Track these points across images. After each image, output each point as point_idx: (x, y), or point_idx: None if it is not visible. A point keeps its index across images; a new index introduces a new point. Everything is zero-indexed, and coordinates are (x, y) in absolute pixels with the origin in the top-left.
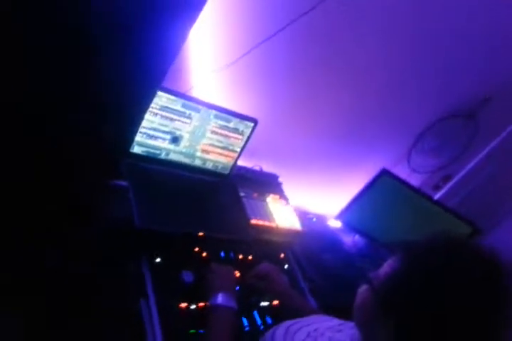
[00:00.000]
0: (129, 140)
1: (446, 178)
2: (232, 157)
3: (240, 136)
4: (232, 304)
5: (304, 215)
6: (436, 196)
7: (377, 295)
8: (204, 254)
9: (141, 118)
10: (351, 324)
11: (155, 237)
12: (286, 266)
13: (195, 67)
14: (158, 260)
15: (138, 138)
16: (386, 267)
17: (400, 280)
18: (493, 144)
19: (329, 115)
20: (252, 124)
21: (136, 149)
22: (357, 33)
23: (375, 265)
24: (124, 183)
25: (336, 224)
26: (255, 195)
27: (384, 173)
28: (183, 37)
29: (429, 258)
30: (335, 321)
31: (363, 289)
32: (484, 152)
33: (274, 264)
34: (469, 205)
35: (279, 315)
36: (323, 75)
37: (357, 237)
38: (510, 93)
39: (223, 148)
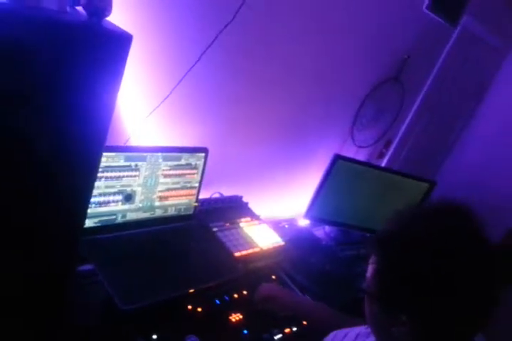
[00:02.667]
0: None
1: (387, 144)
2: (192, 194)
3: (195, 170)
4: None
5: (276, 225)
6: (383, 163)
7: (376, 299)
8: (199, 310)
9: (92, 190)
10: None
11: (143, 313)
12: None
13: (125, 115)
14: (154, 337)
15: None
16: (369, 269)
17: (386, 274)
18: (418, 100)
19: (270, 120)
20: (203, 154)
21: (88, 223)
22: (279, 29)
23: (353, 249)
24: (88, 266)
25: (305, 222)
26: (227, 224)
27: (337, 158)
28: (115, 89)
29: (400, 242)
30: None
31: (365, 299)
32: (413, 109)
33: None
34: (411, 161)
35: None
36: (254, 83)
37: (327, 228)
38: (423, 50)
39: (181, 188)
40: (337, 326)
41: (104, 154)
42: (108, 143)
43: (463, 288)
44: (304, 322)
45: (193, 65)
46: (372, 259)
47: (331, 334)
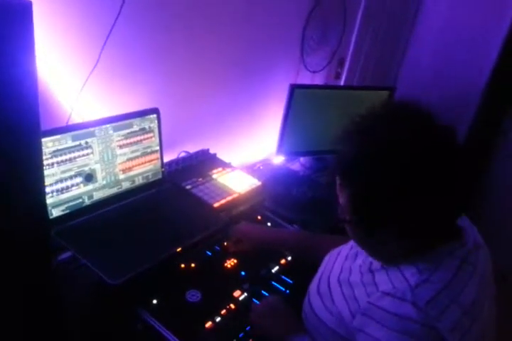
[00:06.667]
0: (43, 210)
1: (341, 63)
2: (156, 158)
3: (151, 134)
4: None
5: (251, 169)
6: (342, 82)
7: (358, 224)
8: (193, 265)
9: (42, 180)
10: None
11: (137, 284)
12: (269, 224)
13: (58, 92)
14: (155, 301)
15: (49, 200)
16: (342, 197)
17: (364, 196)
18: (361, 9)
19: (215, 67)
20: (155, 115)
21: (54, 213)
22: None
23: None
24: (67, 254)
25: (280, 159)
26: (200, 179)
27: (293, 88)
28: (31, 64)
29: (368, 161)
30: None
31: (345, 226)
32: (357, 21)
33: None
34: (369, 74)
35: (294, 270)
36: (187, 32)
37: (302, 160)
38: None
39: (142, 155)
40: (313, 243)
41: (48, 138)
42: (49, 126)
43: (439, 185)
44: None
45: (115, 22)
46: (340, 187)
47: (326, 256)
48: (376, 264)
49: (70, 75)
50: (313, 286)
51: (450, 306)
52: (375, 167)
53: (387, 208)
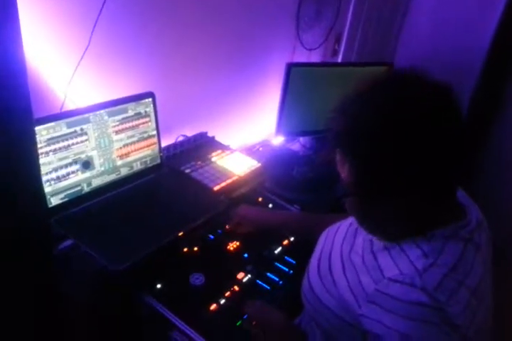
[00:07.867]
0: (42, 199)
1: (338, 39)
2: (153, 143)
3: (147, 118)
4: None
5: (250, 151)
6: (339, 59)
7: (364, 195)
8: (196, 249)
9: (39, 169)
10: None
11: (140, 269)
12: (270, 205)
13: (50, 78)
14: (159, 286)
15: (47, 189)
16: (344, 171)
17: (367, 164)
18: None
19: (210, 48)
20: (150, 99)
21: (53, 201)
22: None
23: (330, 152)
24: (68, 242)
25: (279, 140)
26: (199, 163)
27: (290, 66)
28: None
29: (370, 129)
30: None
31: (346, 201)
32: None
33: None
34: (367, 50)
35: (296, 251)
36: (179, 12)
37: (302, 140)
38: None
39: (139, 140)
40: (313, 224)
41: (42, 126)
42: (43, 114)
43: (436, 150)
44: None
45: (103, 4)
46: (341, 160)
47: (324, 232)
48: (377, 244)
49: (61, 60)
50: (312, 265)
51: (458, 289)
52: (370, 132)
53: (389, 173)
